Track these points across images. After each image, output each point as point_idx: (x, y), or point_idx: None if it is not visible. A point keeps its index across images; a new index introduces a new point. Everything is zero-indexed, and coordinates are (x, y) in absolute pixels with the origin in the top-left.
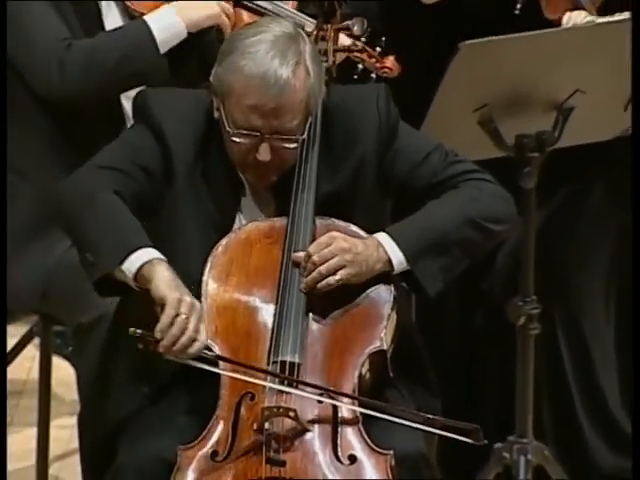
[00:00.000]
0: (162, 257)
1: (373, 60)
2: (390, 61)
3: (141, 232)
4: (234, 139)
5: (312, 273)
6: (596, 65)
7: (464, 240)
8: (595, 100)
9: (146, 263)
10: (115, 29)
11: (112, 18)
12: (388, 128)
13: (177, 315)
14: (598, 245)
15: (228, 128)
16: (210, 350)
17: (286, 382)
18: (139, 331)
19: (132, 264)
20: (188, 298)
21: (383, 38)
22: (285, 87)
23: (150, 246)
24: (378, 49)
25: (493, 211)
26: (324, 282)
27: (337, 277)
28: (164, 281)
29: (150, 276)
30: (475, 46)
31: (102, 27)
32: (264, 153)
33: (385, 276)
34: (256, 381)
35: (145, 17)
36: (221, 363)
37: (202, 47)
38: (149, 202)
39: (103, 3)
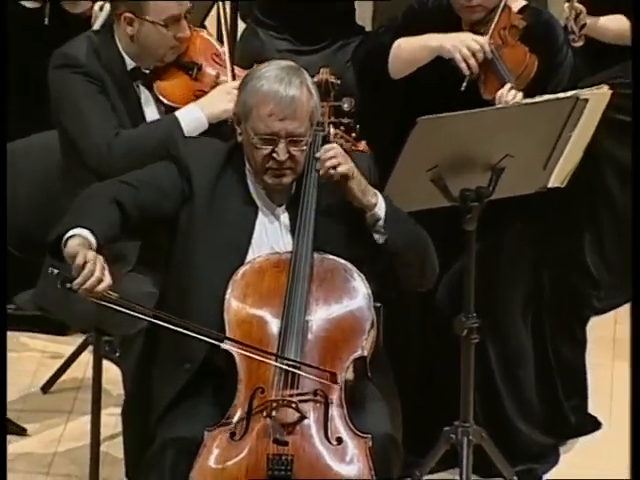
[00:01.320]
0: (85, 233)
1: (349, 144)
2: (362, 145)
3: (98, 221)
4: (257, 145)
5: (332, 160)
6: (521, 135)
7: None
8: (521, 163)
9: (73, 236)
10: (152, 122)
11: (150, 107)
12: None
13: (85, 262)
14: (517, 274)
15: (252, 137)
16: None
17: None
18: (56, 270)
19: (71, 233)
20: (93, 252)
21: (357, 126)
22: (294, 99)
23: (87, 228)
24: (354, 134)
25: (430, 247)
26: (340, 168)
27: (345, 167)
28: (75, 244)
29: (67, 243)
30: (429, 120)
31: (142, 114)
32: (281, 153)
33: (368, 300)
34: (268, 361)
35: (176, 113)
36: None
37: (219, 132)
38: (157, 218)
39: (142, 95)
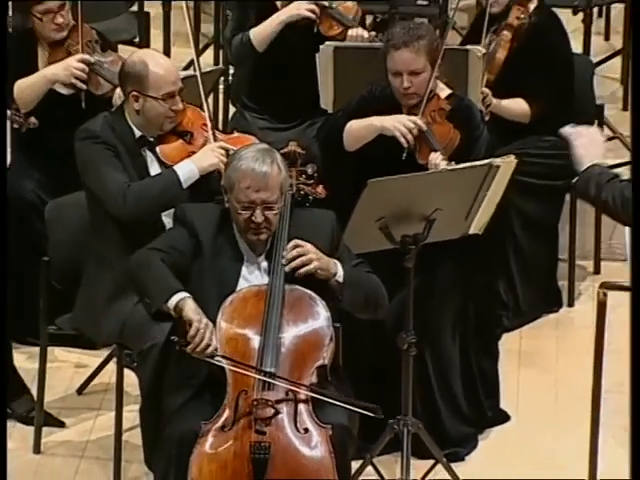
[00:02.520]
0: (189, 296)
1: (310, 188)
2: (320, 188)
3: (176, 282)
4: (239, 211)
5: (296, 259)
6: (448, 193)
7: (365, 291)
8: (448, 214)
9: (180, 300)
10: (156, 175)
11: (154, 166)
12: (335, 242)
13: (199, 330)
14: (447, 302)
15: (236, 205)
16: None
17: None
18: (176, 338)
19: (173, 301)
20: (205, 319)
21: (316, 174)
22: (267, 174)
23: (183, 290)
24: (313, 182)
25: (381, 290)
26: (304, 269)
27: (311, 267)
28: (191, 310)
29: (183, 307)
30: (377, 182)
31: (148, 172)
32: (258, 217)
33: (328, 321)
34: (249, 373)
35: (175, 167)
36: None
37: (209, 181)
38: (181, 271)
39: (148, 158)
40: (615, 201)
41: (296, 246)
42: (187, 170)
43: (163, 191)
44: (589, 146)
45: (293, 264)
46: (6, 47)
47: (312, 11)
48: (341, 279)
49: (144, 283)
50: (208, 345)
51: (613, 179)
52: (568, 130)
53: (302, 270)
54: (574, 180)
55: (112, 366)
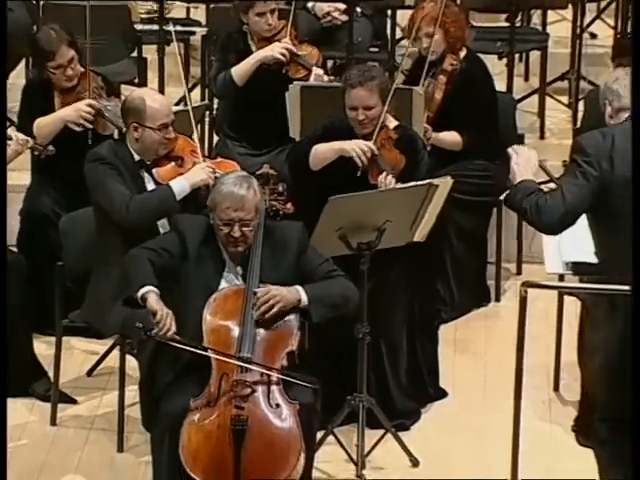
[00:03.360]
0: (154, 289)
1: (281, 205)
2: (289, 205)
3: (151, 277)
4: (220, 227)
5: (262, 307)
6: (396, 207)
7: (334, 301)
8: (396, 225)
9: (146, 292)
10: (153, 189)
11: (150, 185)
12: (304, 246)
13: (161, 317)
14: (397, 299)
15: (218, 222)
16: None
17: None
18: (141, 324)
19: (140, 292)
20: (166, 309)
21: (286, 192)
22: (244, 197)
23: (151, 284)
24: (283, 198)
25: (351, 291)
26: (267, 308)
27: (276, 307)
28: (153, 301)
29: (147, 298)
30: (337, 199)
31: (145, 189)
32: (236, 232)
33: (296, 314)
34: (230, 360)
35: (170, 182)
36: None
37: (198, 194)
38: (169, 271)
39: (145, 178)
40: (531, 210)
41: (266, 293)
42: (180, 185)
43: (160, 202)
44: (524, 164)
45: (261, 310)
46: (6, 47)
47: (283, 54)
48: (306, 302)
49: (127, 275)
50: (169, 330)
51: (534, 192)
52: (510, 149)
53: (267, 315)
54: (506, 192)
55: (116, 353)
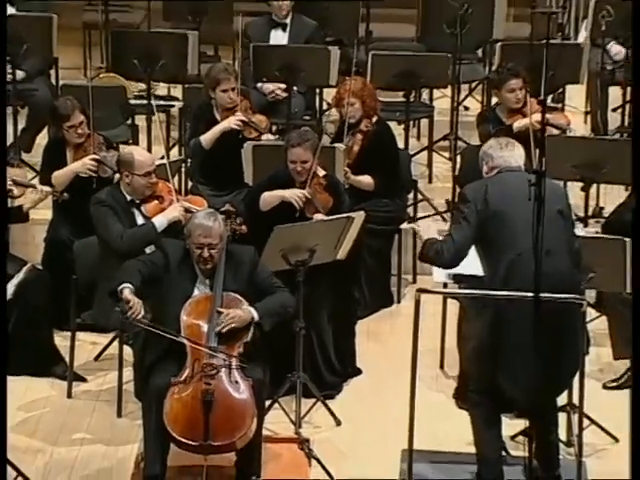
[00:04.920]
0: (129, 285)
1: (238, 230)
2: (243, 228)
3: (133, 278)
4: (194, 250)
5: (222, 323)
6: (324, 234)
7: (278, 312)
8: (324, 247)
9: (122, 287)
10: (141, 224)
11: (139, 218)
12: (255, 264)
13: (133, 304)
14: (325, 303)
15: (191, 246)
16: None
17: (211, 353)
18: (118, 308)
19: (119, 287)
20: (137, 299)
21: (242, 223)
22: (211, 227)
23: (130, 282)
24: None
25: (289, 300)
26: (227, 327)
27: (233, 324)
28: (127, 293)
29: (123, 291)
30: (280, 228)
31: (136, 222)
32: (205, 254)
33: (249, 311)
34: (201, 348)
35: (152, 219)
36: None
37: (175, 228)
38: (155, 278)
39: (136, 213)
40: (434, 256)
41: (227, 315)
42: (160, 221)
43: (145, 235)
44: (426, 230)
45: (223, 326)
46: (6, 48)
47: (238, 124)
48: (257, 318)
49: (117, 278)
50: (138, 314)
51: (434, 243)
52: (415, 225)
53: (225, 329)
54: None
55: (116, 343)
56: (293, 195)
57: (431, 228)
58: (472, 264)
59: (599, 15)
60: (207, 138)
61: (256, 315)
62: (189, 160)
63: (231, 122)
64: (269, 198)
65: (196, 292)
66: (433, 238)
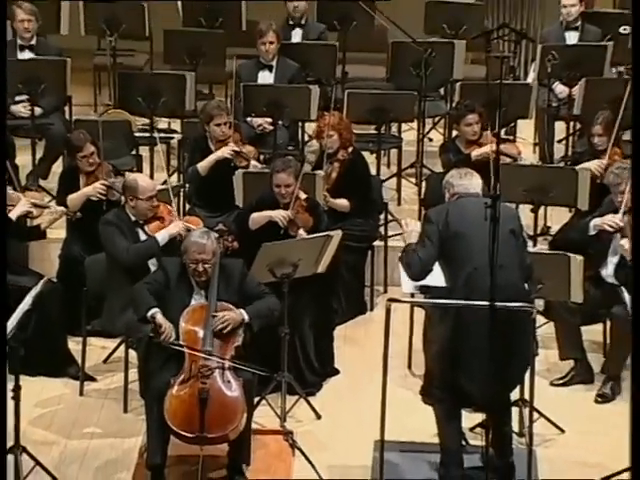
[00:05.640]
0: (159, 310)
1: (230, 246)
2: (235, 244)
3: (152, 300)
4: (189, 264)
5: (218, 323)
6: (306, 250)
7: (266, 314)
8: (306, 262)
9: (154, 312)
10: (145, 239)
11: (142, 235)
12: (244, 275)
13: (165, 329)
14: (307, 310)
15: (187, 261)
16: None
17: (206, 356)
18: (152, 334)
19: (150, 313)
20: (168, 323)
21: (234, 240)
22: (205, 245)
23: (155, 306)
24: (231, 239)
25: (275, 304)
26: (223, 328)
27: (229, 328)
28: (160, 319)
29: (155, 317)
30: (268, 245)
31: (139, 240)
32: (200, 268)
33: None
34: (198, 354)
35: (155, 235)
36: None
37: (174, 241)
38: (159, 294)
39: (140, 233)
40: (405, 268)
41: (222, 316)
42: (162, 236)
43: (149, 248)
44: (410, 234)
45: (218, 327)
46: (6, 51)
47: (230, 154)
48: (247, 319)
49: (135, 300)
50: (170, 337)
51: (411, 249)
52: (403, 221)
53: (223, 330)
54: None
55: (122, 347)
56: (278, 215)
57: (413, 234)
58: (436, 277)
59: (545, 59)
60: (203, 166)
61: (246, 316)
62: (187, 185)
63: (224, 152)
64: (257, 218)
65: (193, 302)
66: (413, 244)
